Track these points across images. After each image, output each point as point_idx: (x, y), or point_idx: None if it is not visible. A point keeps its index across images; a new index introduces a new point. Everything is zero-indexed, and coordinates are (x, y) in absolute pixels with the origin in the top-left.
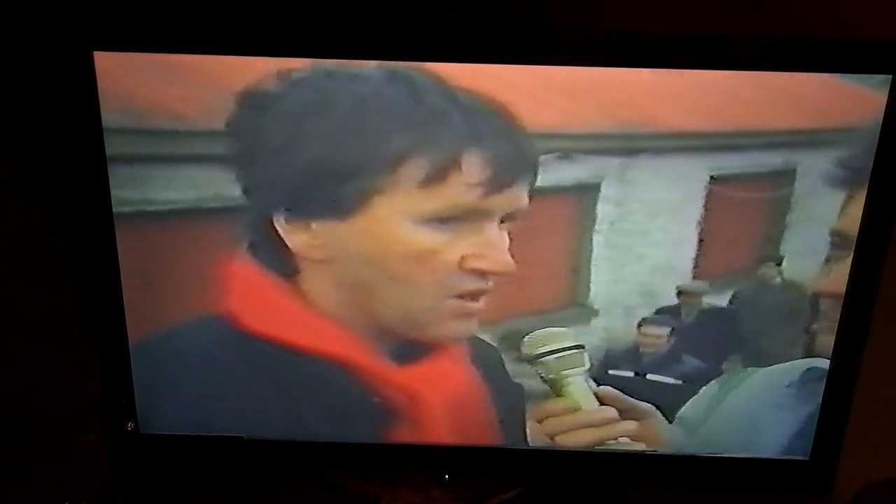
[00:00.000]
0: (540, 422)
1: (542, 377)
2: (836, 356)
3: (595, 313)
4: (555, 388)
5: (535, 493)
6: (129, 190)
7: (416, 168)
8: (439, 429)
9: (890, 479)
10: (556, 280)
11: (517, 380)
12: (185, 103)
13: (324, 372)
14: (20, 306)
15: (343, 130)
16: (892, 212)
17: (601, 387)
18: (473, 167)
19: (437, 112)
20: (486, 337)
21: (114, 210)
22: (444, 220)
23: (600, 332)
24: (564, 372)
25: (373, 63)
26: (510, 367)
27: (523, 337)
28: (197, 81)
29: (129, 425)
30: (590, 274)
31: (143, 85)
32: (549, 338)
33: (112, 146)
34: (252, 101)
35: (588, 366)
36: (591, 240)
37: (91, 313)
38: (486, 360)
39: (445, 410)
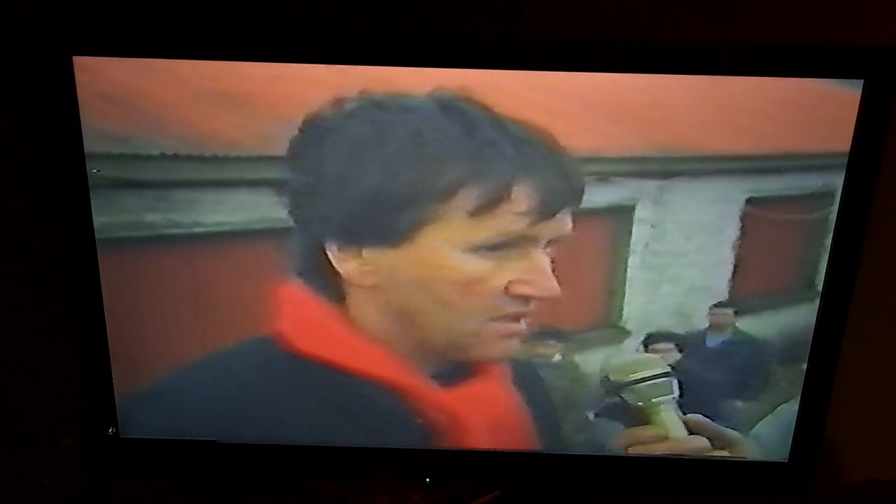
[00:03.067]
0: (626, 448)
1: (629, 404)
2: (813, 358)
3: (628, 334)
4: (643, 416)
5: (513, 496)
6: (181, 213)
7: (467, 198)
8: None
9: (868, 481)
10: (590, 301)
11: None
12: (238, 130)
13: (368, 392)
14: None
15: (397, 162)
16: (865, 208)
17: (689, 415)
18: (522, 196)
19: (489, 143)
20: (524, 357)
21: (160, 232)
22: (493, 247)
23: (632, 354)
24: (655, 400)
25: (423, 94)
26: (549, 383)
27: (611, 363)
28: (252, 110)
29: (110, 430)
30: (624, 295)
31: (200, 115)
32: (639, 364)
33: (167, 172)
34: (308, 132)
35: (677, 393)
36: (627, 261)
37: (72, 325)
38: (530, 381)
39: (487, 431)
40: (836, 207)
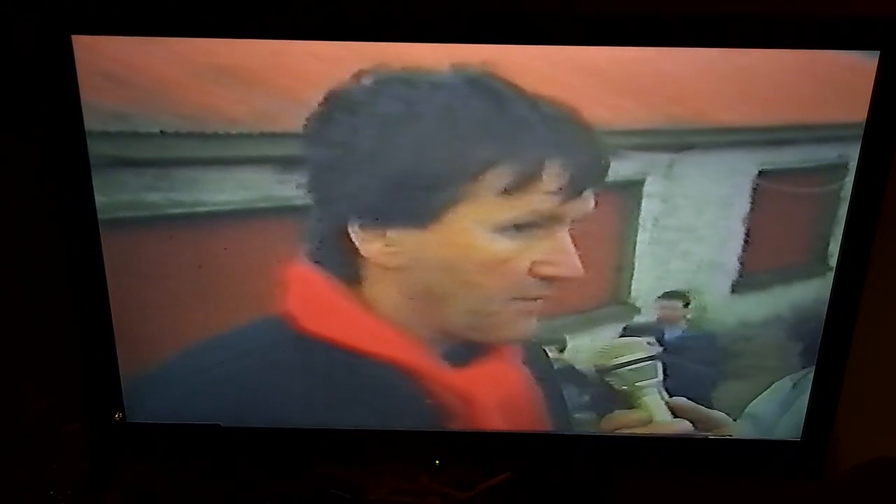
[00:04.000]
0: (613, 432)
1: (613, 388)
2: (826, 337)
3: (637, 311)
4: (628, 400)
5: (525, 477)
6: (183, 192)
7: (498, 177)
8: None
9: (880, 460)
10: (600, 278)
11: (562, 377)
12: (240, 107)
13: (379, 374)
14: (4, 298)
15: (427, 140)
16: (882, 181)
17: (674, 398)
18: (553, 174)
19: (521, 120)
20: (536, 338)
21: (161, 212)
22: (519, 227)
23: (617, 338)
24: (639, 384)
25: (445, 70)
26: (557, 365)
27: (598, 347)
28: (255, 86)
29: (117, 415)
30: (633, 271)
31: (200, 91)
32: (624, 349)
33: (168, 150)
34: (330, 107)
35: (661, 377)
36: (636, 237)
37: (77, 310)
38: (537, 361)
39: (498, 410)
40: (850, 180)
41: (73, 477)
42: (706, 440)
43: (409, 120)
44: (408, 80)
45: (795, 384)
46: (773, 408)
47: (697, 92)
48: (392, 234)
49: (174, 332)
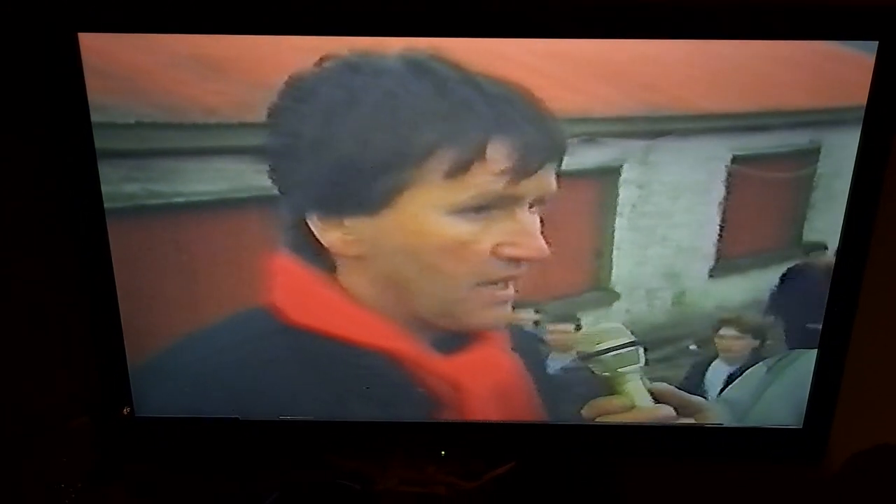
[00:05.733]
0: (594, 419)
1: (595, 374)
2: (827, 324)
3: (617, 296)
4: (610, 386)
5: (529, 467)
6: (161, 183)
7: (442, 160)
8: (483, 416)
9: (880, 447)
10: (579, 264)
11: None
12: (217, 97)
13: (368, 363)
14: (13, 293)
15: (369, 126)
16: (882, 164)
17: (655, 383)
18: (499, 155)
19: (463, 102)
20: (520, 323)
21: (140, 203)
22: (476, 209)
23: (622, 315)
24: (621, 370)
25: (394, 54)
26: (542, 352)
27: (580, 334)
28: (230, 75)
29: (125, 410)
30: (612, 257)
31: (176, 79)
32: (605, 335)
33: (145, 140)
34: (285, 96)
35: (643, 363)
36: (614, 223)
37: (84, 305)
38: (526, 347)
39: (489, 397)
40: (822, 164)
41: (82, 470)
42: (708, 428)
43: (351, 106)
44: (354, 66)
45: (769, 369)
46: (748, 393)
47: (672, 78)
48: (349, 222)
49: (161, 324)
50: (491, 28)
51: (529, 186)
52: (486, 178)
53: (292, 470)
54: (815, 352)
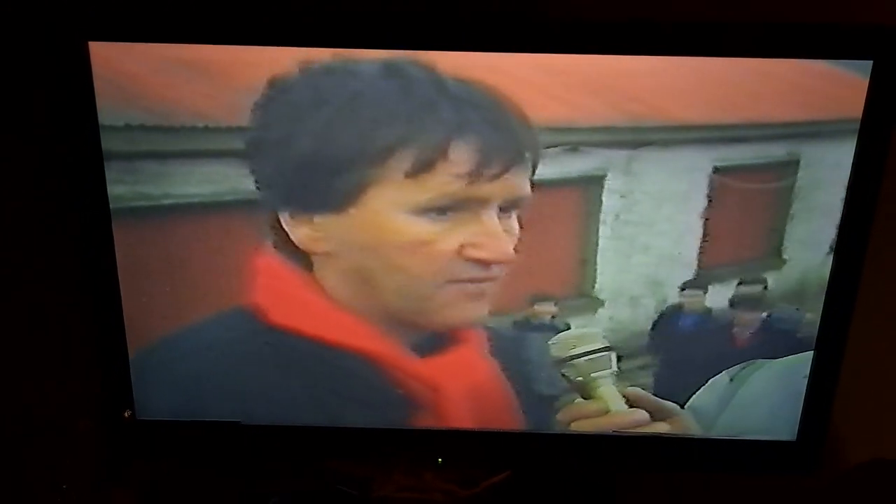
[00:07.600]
0: (569, 424)
1: (569, 379)
2: (821, 337)
3: (601, 304)
4: (584, 391)
5: (526, 475)
6: (149, 185)
7: (403, 159)
8: (461, 419)
9: (875, 460)
10: (563, 271)
11: (535, 369)
12: (205, 100)
13: (347, 364)
14: (15, 296)
15: (335, 124)
16: (878, 175)
17: (629, 388)
18: (460, 157)
19: (426, 103)
20: (500, 327)
21: (132, 205)
22: (439, 209)
23: (606, 322)
24: (594, 374)
25: (368, 57)
26: (521, 356)
27: (551, 339)
28: (215, 77)
29: (126, 413)
30: (596, 265)
31: (165, 83)
32: (578, 340)
33: (134, 143)
34: (263, 99)
35: (615, 368)
36: (598, 231)
37: (86, 308)
38: (505, 351)
39: (467, 400)
40: (801, 176)
41: (86, 472)
42: (700, 440)
43: (315, 105)
44: (329, 69)
45: (732, 378)
46: (712, 402)
47: (653, 89)
48: (318, 219)
49: (151, 324)
50: (478, 43)
51: (495, 189)
52: (447, 179)
53: (291, 476)
54: (777, 361)
